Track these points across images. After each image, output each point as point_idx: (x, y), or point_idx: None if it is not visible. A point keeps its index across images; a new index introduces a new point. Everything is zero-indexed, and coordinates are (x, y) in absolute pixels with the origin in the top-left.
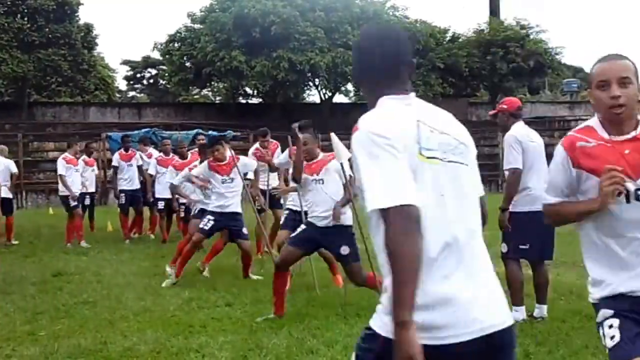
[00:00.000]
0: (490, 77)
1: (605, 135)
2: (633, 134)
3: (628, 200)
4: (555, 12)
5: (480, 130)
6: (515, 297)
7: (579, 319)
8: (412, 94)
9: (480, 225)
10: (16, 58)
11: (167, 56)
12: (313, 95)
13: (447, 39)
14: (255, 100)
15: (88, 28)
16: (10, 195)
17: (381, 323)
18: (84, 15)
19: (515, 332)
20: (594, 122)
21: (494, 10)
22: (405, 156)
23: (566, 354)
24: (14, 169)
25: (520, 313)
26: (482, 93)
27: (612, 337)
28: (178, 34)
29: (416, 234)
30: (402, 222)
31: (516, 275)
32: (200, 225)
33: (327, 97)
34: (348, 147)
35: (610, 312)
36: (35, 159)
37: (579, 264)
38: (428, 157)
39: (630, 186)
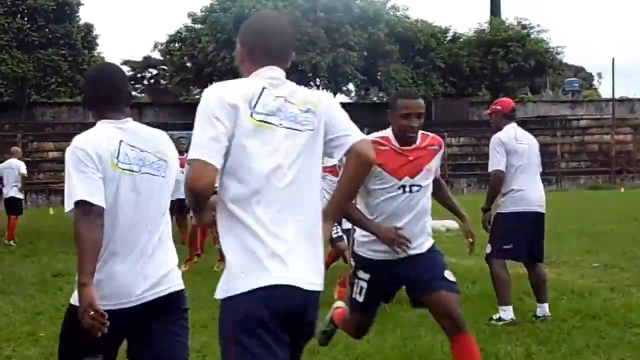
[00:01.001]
0: (491, 77)
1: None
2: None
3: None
4: (556, 11)
5: (482, 130)
6: (501, 297)
7: (580, 318)
8: (128, 119)
9: (163, 224)
10: (16, 58)
11: (167, 56)
12: None
13: (448, 38)
14: None
15: (88, 28)
16: (20, 196)
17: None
18: (84, 15)
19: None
20: None
21: (495, 9)
22: (95, 165)
23: (567, 353)
24: (24, 170)
25: (508, 312)
26: (483, 93)
27: None
28: (179, 34)
29: (89, 225)
30: (80, 216)
31: (500, 276)
32: None
33: None
34: None
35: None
36: (34, 159)
37: (580, 264)
38: (122, 168)
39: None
